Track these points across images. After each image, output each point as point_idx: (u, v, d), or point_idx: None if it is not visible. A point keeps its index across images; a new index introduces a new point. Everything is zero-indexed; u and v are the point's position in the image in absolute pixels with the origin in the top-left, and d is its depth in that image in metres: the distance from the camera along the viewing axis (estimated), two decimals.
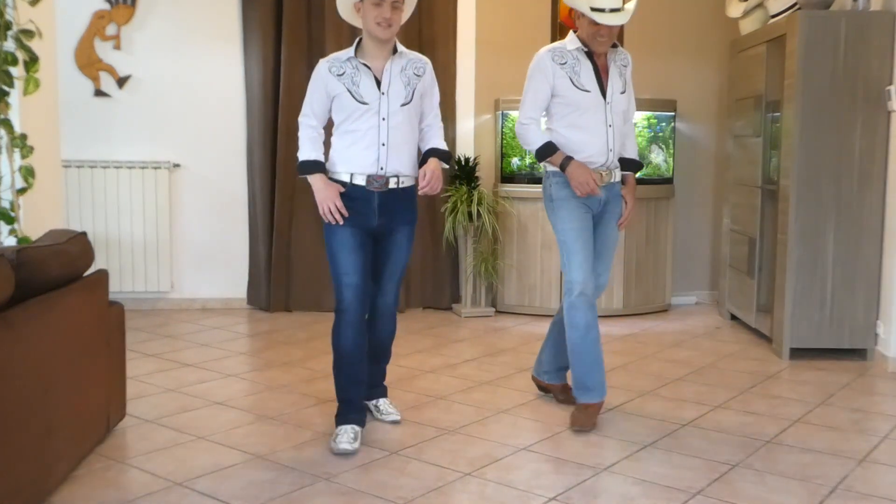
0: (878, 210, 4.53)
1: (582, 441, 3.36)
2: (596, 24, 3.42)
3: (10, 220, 3.53)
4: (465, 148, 5.89)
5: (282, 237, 5.75)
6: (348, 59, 3.29)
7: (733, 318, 5.61)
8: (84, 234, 3.14)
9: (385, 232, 3.36)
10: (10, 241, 3.52)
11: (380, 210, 3.30)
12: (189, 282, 5.86)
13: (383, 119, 3.27)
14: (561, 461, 3.13)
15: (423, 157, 3.43)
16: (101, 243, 5.58)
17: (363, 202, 3.28)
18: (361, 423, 3.35)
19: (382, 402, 3.62)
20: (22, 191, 3.59)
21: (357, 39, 3.34)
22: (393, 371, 4.21)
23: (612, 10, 3.39)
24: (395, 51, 3.33)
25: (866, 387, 4.16)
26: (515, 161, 5.77)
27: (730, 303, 5.60)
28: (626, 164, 3.70)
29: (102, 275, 3.21)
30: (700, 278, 6.35)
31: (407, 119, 3.33)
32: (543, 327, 5.38)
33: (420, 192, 3.34)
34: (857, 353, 4.65)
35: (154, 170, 5.67)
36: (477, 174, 5.72)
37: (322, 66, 3.31)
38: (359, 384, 3.38)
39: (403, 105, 3.30)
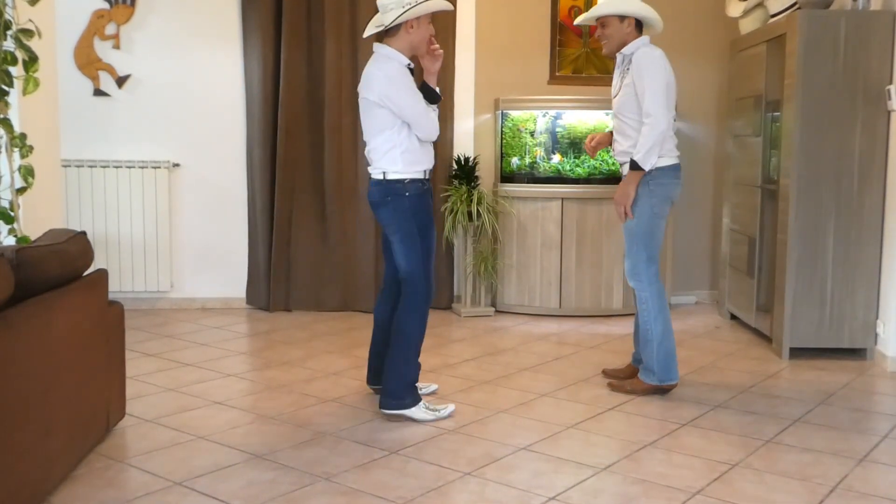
0: (878, 210, 4.53)
1: (582, 441, 3.36)
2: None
3: (9, 220, 3.53)
4: (465, 147, 5.89)
5: (282, 237, 5.74)
6: (406, 66, 3.57)
7: (733, 317, 5.61)
8: (84, 233, 3.14)
9: (430, 218, 3.73)
10: (10, 241, 3.51)
11: (430, 197, 3.75)
12: (189, 281, 5.86)
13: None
14: (561, 461, 3.13)
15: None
16: (101, 243, 5.58)
17: (428, 195, 3.70)
18: None
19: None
20: (21, 190, 3.59)
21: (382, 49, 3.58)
22: None
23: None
24: None
25: (866, 386, 4.16)
26: (515, 161, 5.77)
27: (730, 302, 5.60)
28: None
29: (102, 274, 3.21)
30: (700, 278, 6.34)
31: None
32: (543, 327, 5.41)
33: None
34: (857, 353, 4.64)
35: (154, 169, 5.67)
36: (477, 174, 5.71)
37: (399, 66, 3.54)
38: None
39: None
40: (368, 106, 3.54)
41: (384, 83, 3.48)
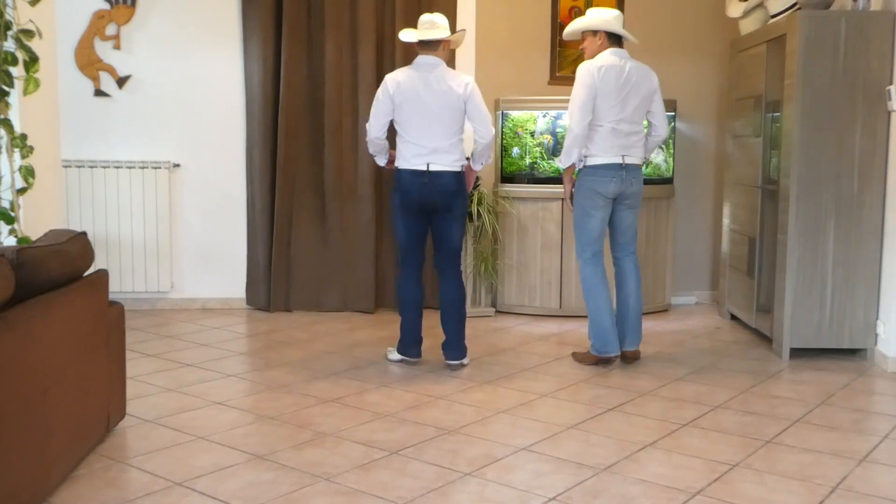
0: (878, 210, 4.53)
1: (582, 441, 3.36)
2: None
3: (10, 220, 3.53)
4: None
5: (282, 237, 5.74)
6: None
7: (733, 318, 5.62)
8: (84, 234, 3.14)
9: None
10: (10, 241, 3.52)
11: None
12: (189, 282, 5.86)
13: None
14: (561, 461, 3.13)
15: None
16: (101, 243, 5.58)
17: None
18: None
19: None
20: (22, 191, 3.59)
21: None
22: (393, 370, 4.22)
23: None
24: None
25: (866, 387, 4.16)
26: (515, 150, 5.76)
27: (730, 303, 5.60)
28: None
29: (102, 275, 3.21)
30: (700, 278, 6.35)
31: None
32: (544, 327, 5.41)
33: None
34: (857, 353, 4.65)
35: (154, 170, 5.67)
36: (477, 174, 5.71)
37: None
38: None
39: None
40: (458, 105, 4.16)
41: (475, 87, 4.18)
